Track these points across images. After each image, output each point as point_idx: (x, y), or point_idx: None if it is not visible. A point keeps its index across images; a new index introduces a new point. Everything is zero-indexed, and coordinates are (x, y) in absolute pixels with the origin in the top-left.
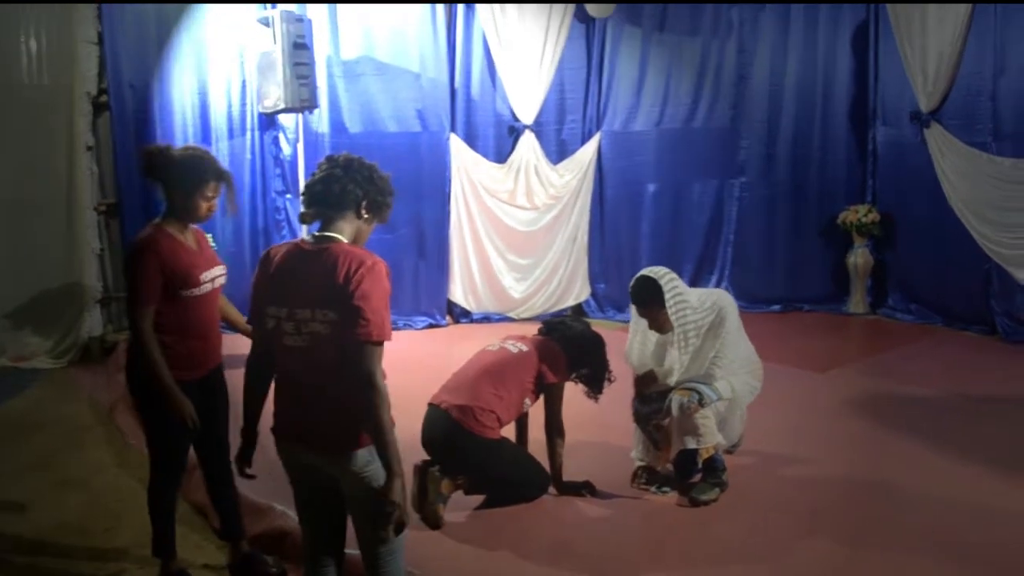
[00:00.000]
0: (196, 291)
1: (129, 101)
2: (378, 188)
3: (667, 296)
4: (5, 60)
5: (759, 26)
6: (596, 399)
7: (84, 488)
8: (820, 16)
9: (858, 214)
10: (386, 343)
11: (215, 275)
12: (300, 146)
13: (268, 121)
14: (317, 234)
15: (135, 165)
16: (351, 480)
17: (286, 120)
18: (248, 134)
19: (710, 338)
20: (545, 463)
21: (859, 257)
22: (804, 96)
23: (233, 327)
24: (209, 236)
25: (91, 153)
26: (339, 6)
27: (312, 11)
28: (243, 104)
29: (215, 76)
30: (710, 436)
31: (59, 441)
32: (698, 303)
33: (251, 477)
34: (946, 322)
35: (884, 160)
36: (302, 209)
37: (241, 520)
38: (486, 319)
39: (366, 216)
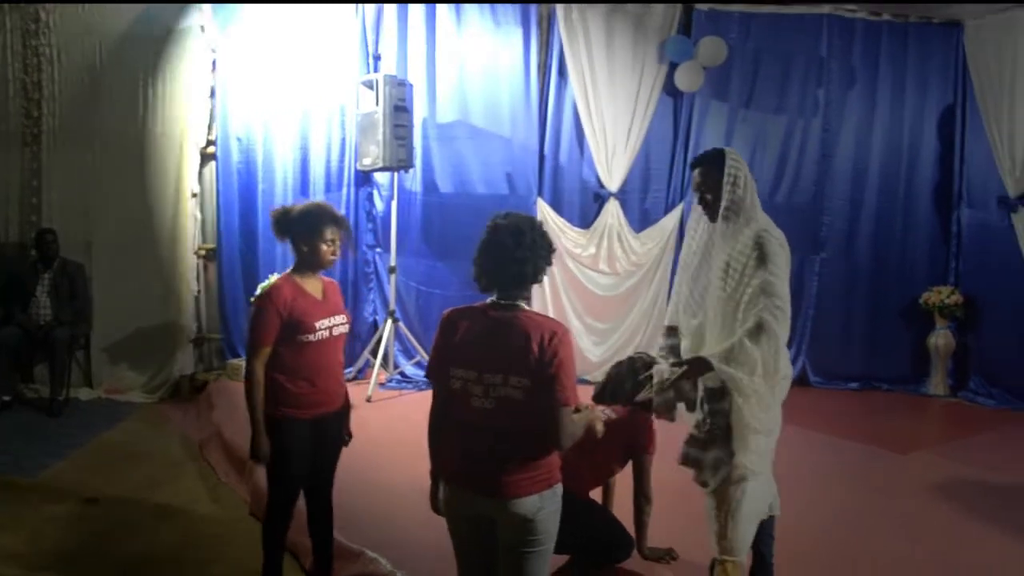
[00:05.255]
0: (312, 337)
1: (234, 152)
2: (543, 256)
3: (728, 164)
4: (124, 109)
5: (845, 106)
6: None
7: (180, 520)
8: (906, 98)
9: (941, 295)
10: None
11: (334, 323)
12: (393, 203)
13: (364, 178)
14: (501, 302)
15: (236, 213)
16: (515, 525)
17: (381, 178)
18: (344, 189)
19: (752, 267)
20: (630, 527)
21: (940, 338)
22: (888, 176)
23: None
24: None
25: (195, 200)
26: (438, 72)
27: (412, 76)
28: (341, 160)
29: (316, 133)
30: (735, 550)
31: (154, 474)
32: (760, 214)
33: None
34: None
35: (969, 243)
36: (483, 281)
37: (331, 560)
38: None
39: (538, 280)
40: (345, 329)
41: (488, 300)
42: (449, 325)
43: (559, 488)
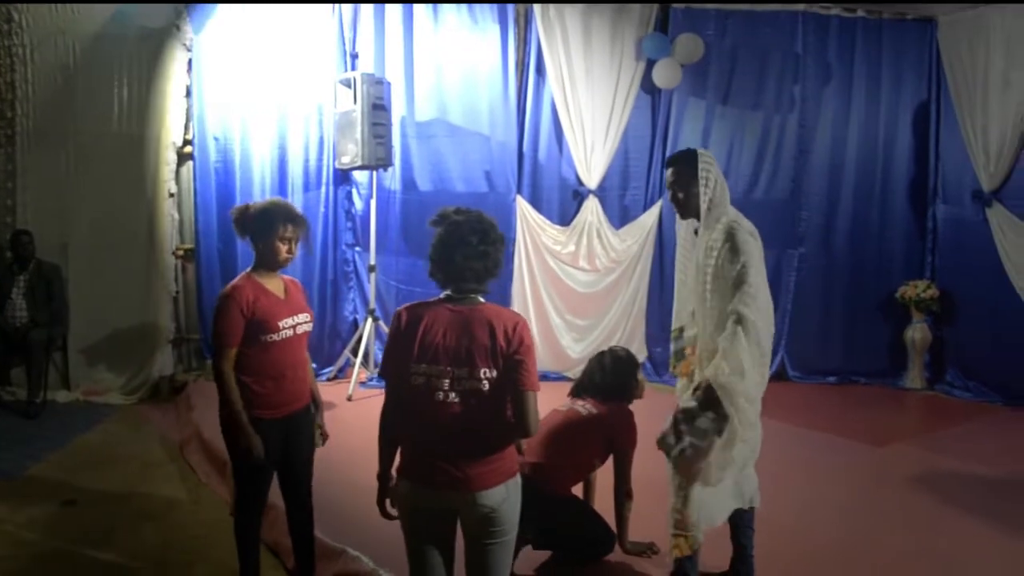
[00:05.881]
0: (275, 336)
1: (212, 152)
2: (501, 250)
3: (701, 165)
4: (99, 109)
5: (822, 102)
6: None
7: (161, 521)
8: (882, 94)
9: (917, 289)
10: None
11: (297, 322)
12: (373, 202)
13: (342, 176)
14: (459, 295)
15: (214, 213)
16: (481, 517)
17: (360, 176)
18: (323, 188)
19: (725, 258)
20: (611, 522)
21: (917, 332)
22: (864, 171)
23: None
24: None
25: (173, 200)
26: (416, 71)
27: (390, 74)
28: (320, 159)
29: (294, 132)
30: (688, 525)
31: (133, 476)
32: (730, 208)
33: (394, 517)
34: (1005, 401)
35: (944, 237)
36: (439, 277)
37: (313, 559)
38: (543, 377)
39: (497, 275)
40: (308, 327)
41: (442, 295)
42: (407, 322)
43: (519, 477)
